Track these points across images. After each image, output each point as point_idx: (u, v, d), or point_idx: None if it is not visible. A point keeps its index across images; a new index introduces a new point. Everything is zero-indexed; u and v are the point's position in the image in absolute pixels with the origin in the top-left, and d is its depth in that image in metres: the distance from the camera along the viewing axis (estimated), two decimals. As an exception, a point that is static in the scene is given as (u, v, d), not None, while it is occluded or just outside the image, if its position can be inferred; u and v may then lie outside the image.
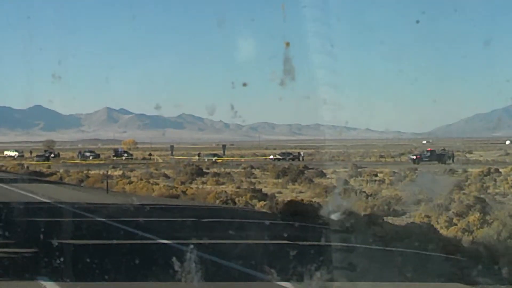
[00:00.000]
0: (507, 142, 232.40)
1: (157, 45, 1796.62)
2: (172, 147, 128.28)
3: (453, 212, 31.32)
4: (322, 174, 66.62)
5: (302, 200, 36.00)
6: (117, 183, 45.90)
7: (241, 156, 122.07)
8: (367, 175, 64.46)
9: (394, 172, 66.29)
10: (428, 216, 30.48)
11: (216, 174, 70.42)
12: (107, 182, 40.64)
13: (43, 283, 12.25)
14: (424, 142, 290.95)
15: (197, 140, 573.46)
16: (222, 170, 76.67)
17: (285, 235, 19.78)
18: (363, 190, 45.30)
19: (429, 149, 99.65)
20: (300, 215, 26.87)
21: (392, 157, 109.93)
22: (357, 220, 26.77)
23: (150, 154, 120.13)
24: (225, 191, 39.65)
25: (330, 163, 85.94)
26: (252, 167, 79.04)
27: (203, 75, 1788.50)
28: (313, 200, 39.56)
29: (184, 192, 38.30)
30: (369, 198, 39.44)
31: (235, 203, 34.73)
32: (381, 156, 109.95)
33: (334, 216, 25.06)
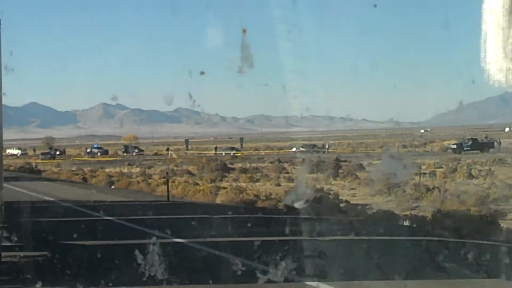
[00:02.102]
0: (506, 129, 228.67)
1: (110, 37, 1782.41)
2: (187, 141, 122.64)
3: None
4: (361, 167, 61.40)
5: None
6: (158, 185, 40.47)
7: (255, 150, 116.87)
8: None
9: (439, 164, 61.24)
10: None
11: (244, 170, 65.35)
12: (167, 186, 32.71)
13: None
14: (422, 131, 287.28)
15: (194, 134, 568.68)
16: (248, 165, 71.46)
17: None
18: (425, 185, 40.10)
19: (471, 137, 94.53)
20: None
21: (417, 146, 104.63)
22: (479, 224, 21.88)
23: (167, 149, 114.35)
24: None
25: (360, 155, 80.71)
26: (279, 161, 73.72)
27: (159, 65, 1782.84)
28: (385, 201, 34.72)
29: (257, 196, 31.40)
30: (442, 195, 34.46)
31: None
32: (404, 146, 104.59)
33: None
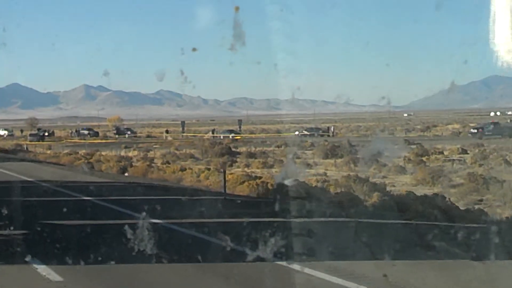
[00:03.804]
0: (491, 114, 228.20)
1: (103, 15, 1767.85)
2: (183, 123, 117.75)
3: None
4: (378, 152, 57.26)
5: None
6: (174, 171, 36.10)
7: (251, 132, 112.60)
8: (434, 153, 55.56)
9: (463, 149, 57.42)
10: None
11: (251, 154, 61.27)
12: (224, 177, 25.51)
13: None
14: (405, 115, 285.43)
15: (176, 116, 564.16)
16: (253, 149, 67.25)
17: None
18: (471, 173, 36.03)
19: (492, 120, 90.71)
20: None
21: (422, 130, 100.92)
22: None
23: (167, 131, 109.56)
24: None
25: (368, 139, 76.62)
26: (287, 145, 69.63)
27: (152, 42, 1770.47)
28: (436, 192, 30.62)
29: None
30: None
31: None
32: (408, 130, 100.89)
33: None
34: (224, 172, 26.08)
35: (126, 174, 37.50)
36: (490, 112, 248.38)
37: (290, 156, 58.37)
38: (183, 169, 36.91)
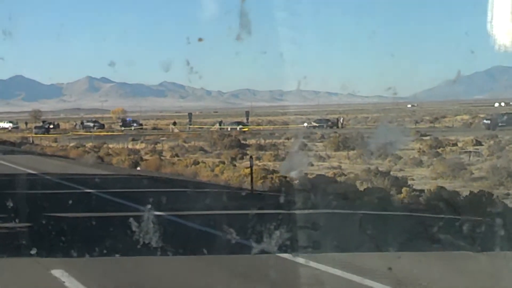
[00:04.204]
0: (496, 105, 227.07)
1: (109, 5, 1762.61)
2: (190, 115, 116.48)
3: None
4: (390, 144, 56.16)
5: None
6: (187, 165, 35.02)
7: (257, 124, 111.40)
8: (448, 144, 54.59)
9: (477, 141, 56.37)
10: None
11: (261, 147, 60.32)
12: (251, 175, 23.70)
13: None
14: (409, 106, 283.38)
15: (179, 107, 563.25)
16: (262, 141, 66.21)
17: None
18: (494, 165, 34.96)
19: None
20: None
21: (431, 122, 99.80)
22: None
23: (174, 123, 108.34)
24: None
25: (380, 130, 75.39)
26: (296, 137, 68.55)
27: (157, 32, 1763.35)
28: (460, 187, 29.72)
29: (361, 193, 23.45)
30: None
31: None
32: (416, 122, 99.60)
33: None
34: (252, 167, 24.83)
35: (138, 168, 36.46)
36: (494, 103, 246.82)
37: (300, 149, 57.39)
38: (196, 163, 35.91)
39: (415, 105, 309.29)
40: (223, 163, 35.44)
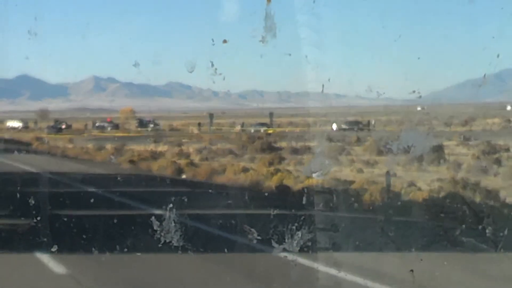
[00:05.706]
0: (508, 108, 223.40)
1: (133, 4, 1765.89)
2: (211, 115, 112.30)
3: None
4: (439, 148, 52.14)
5: None
6: (236, 173, 30.96)
7: (278, 126, 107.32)
8: (501, 150, 50.57)
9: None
10: None
11: (295, 150, 56.38)
12: (388, 184, 20.49)
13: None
14: (419, 108, 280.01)
15: (186, 108, 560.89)
16: (294, 144, 62.27)
17: None
18: None
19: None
20: None
21: (462, 125, 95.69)
22: None
23: (199, 124, 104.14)
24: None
25: (418, 134, 71.53)
26: (331, 140, 64.37)
27: (182, 33, 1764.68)
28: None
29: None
30: None
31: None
32: (446, 124, 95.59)
33: None
34: (389, 185, 20.60)
35: (183, 176, 32.34)
36: (506, 106, 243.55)
37: (338, 153, 53.46)
38: (245, 170, 31.94)
39: (424, 107, 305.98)
40: (279, 170, 31.41)
